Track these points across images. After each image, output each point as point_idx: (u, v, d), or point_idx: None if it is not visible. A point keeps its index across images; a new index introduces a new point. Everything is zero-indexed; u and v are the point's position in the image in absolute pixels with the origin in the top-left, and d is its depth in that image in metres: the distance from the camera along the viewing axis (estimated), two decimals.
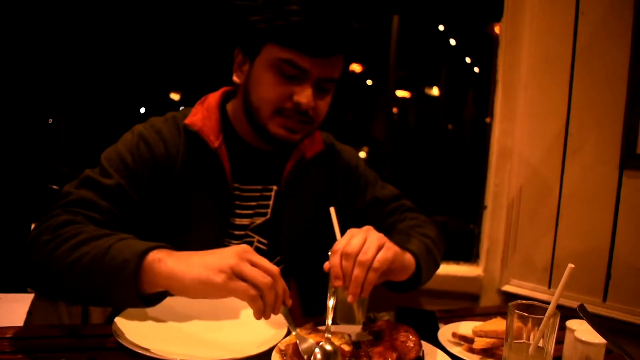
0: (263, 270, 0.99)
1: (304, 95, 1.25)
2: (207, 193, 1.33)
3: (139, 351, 1.03)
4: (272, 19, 1.22)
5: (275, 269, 1.01)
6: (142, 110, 4.17)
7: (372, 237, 1.10)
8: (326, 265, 1.09)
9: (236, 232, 1.38)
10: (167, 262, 1.00)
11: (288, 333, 1.14)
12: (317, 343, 1.04)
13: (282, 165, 1.43)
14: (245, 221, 1.39)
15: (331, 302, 1.09)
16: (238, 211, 1.38)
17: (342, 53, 1.30)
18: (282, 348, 1.05)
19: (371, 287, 1.06)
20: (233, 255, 0.99)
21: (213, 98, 1.41)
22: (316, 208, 1.46)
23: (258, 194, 1.41)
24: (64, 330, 1.16)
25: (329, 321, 1.08)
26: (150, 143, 1.31)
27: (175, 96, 4.30)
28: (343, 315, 1.31)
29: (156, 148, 1.31)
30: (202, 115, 1.35)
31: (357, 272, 1.04)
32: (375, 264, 1.06)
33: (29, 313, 1.49)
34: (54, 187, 1.64)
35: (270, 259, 1.38)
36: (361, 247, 1.07)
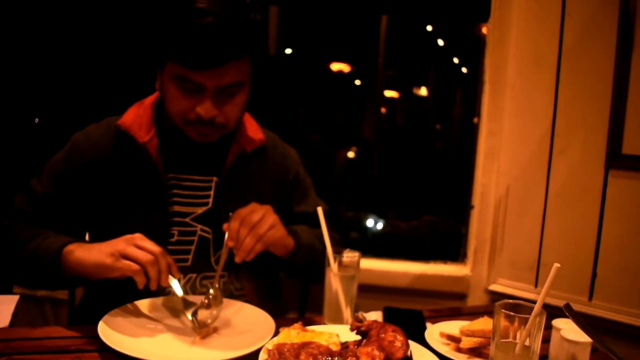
0: (146, 250, 1.17)
1: (203, 108, 1.30)
2: (139, 185, 1.40)
3: (125, 352, 1.03)
4: (165, 37, 1.29)
5: (157, 249, 1.19)
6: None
7: (269, 216, 1.30)
8: (225, 226, 1.29)
9: (177, 219, 1.43)
10: (75, 253, 1.23)
11: (276, 334, 1.14)
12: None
13: (222, 157, 1.48)
14: (186, 209, 1.44)
15: (223, 257, 1.30)
16: (177, 199, 1.43)
17: (235, 59, 1.28)
18: (270, 348, 1.05)
19: (255, 254, 1.26)
20: (122, 241, 1.20)
21: (150, 99, 1.49)
22: (258, 198, 1.45)
23: (198, 184, 1.46)
24: (49, 332, 1.15)
25: (219, 273, 1.31)
26: (79, 148, 1.42)
27: None
28: (331, 315, 1.31)
29: (85, 152, 1.41)
30: (134, 114, 1.43)
31: (249, 240, 1.25)
32: (265, 237, 1.27)
33: (15, 314, 1.48)
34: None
35: (216, 249, 1.47)
36: (258, 221, 1.27)
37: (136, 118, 1.42)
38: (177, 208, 1.42)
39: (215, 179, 1.47)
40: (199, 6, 1.23)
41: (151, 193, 1.40)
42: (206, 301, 1.24)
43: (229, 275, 1.47)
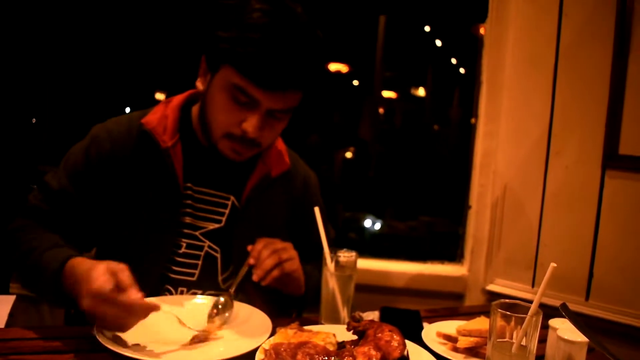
0: (101, 299, 1.02)
1: (251, 125, 1.26)
2: (155, 190, 1.35)
3: (122, 352, 1.02)
4: (234, 42, 1.21)
5: (103, 289, 1.01)
6: (127, 109, 4.14)
7: (290, 250, 1.33)
8: (249, 246, 1.31)
9: (187, 231, 1.38)
10: (70, 277, 1.14)
11: (273, 334, 1.14)
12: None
13: (243, 176, 1.43)
14: (197, 223, 1.40)
15: (241, 273, 1.32)
16: (190, 211, 1.39)
17: (297, 89, 1.28)
18: (267, 348, 1.05)
19: (271, 279, 1.27)
20: (84, 297, 1.04)
21: (177, 99, 1.43)
22: (274, 225, 1.46)
23: (214, 199, 1.42)
24: (45, 332, 1.15)
25: (234, 287, 1.30)
26: (99, 143, 1.36)
27: (160, 96, 4.27)
28: (328, 315, 1.31)
29: (104, 148, 1.35)
30: (160, 114, 1.38)
31: (269, 261, 1.26)
32: (284, 264, 1.29)
33: (11, 314, 1.47)
34: (35, 187, 1.63)
35: (224, 269, 1.43)
36: (281, 248, 1.30)
37: (162, 119, 1.37)
38: (188, 220, 1.38)
39: (232, 197, 1.43)
40: (282, 27, 1.20)
41: (165, 200, 1.35)
42: (215, 311, 1.25)
43: (235, 295, 1.39)
